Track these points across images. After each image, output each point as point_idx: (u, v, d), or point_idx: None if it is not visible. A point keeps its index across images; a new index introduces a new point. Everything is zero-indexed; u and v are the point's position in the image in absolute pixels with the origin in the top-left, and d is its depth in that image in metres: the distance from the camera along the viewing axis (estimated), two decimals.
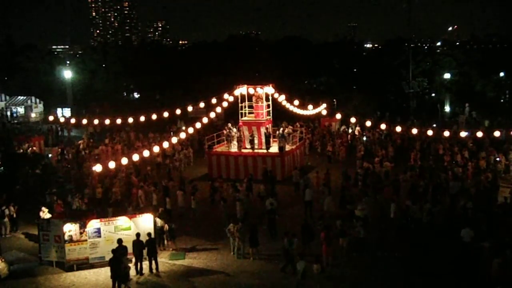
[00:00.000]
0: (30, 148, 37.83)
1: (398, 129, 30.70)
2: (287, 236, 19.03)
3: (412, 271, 18.57)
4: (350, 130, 42.18)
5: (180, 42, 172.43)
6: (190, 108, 33.47)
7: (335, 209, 23.95)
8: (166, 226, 21.33)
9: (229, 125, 34.77)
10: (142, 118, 32.20)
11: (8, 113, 59.18)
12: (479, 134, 28.93)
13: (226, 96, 31.03)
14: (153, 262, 19.32)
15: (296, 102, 35.00)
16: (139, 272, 19.10)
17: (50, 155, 36.73)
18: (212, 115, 30.48)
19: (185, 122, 45.24)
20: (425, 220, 21.79)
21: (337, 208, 24.18)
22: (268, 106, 33.58)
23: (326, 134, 41.49)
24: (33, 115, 58.15)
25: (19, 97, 61.27)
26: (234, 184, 27.05)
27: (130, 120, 32.76)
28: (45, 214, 22.77)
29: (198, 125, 28.70)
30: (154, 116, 32.28)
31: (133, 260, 19.29)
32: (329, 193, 25.18)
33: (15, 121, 56.32)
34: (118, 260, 17.76)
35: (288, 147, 32.85)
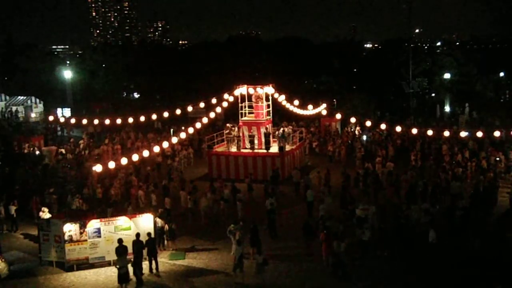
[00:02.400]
0: (32, 148, 37.83)
1: (398, 129, 30.70)
2: (336, 239, 18.93)
3: (412, 271, 18.58)
4: (350, 130, 42.17)
5: (180, 42, 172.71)
6: (190, 108, 33.48)
7: (335, 209, 23.93)
8: (167, 226, 21.33)
9: (228, 125, 34.71)
10: (142, 118, 32.25)
11: (8, 113, 59.06)
12: (479, 134, 28.95)
13: (226, 96, 31.05)
14: (153, 262, 19.32)
15: (296, 102, 34.99)
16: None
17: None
18: (212, 115, 30.48)
19: (162, 123, 45.09)
20: (423, 220, 21.75)
21: (338, 208, 24.17)
22: (268, 106, 33.58)
23: (326, 134, 41.50)
24: (33, 115, 58.02)
25: (19, 97, 61.14)
26: (234, 184, 27.03)
27: (130, 120, 32.80)
28: (45, 214, 22.76)
29: (198, 125, 28.72)
30: (154, 116, 32.32)
31: (133, 260, 19.28)
32: (329, 193, 25.18)
33: (15, 121, 56.18)
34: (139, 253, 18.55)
35: (288, 147, 32.84)
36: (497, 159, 31.36)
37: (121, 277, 17.86)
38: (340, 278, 18.13)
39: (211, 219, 24.20)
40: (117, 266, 17.93)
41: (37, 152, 37.12)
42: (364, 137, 39.01)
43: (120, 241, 18.72)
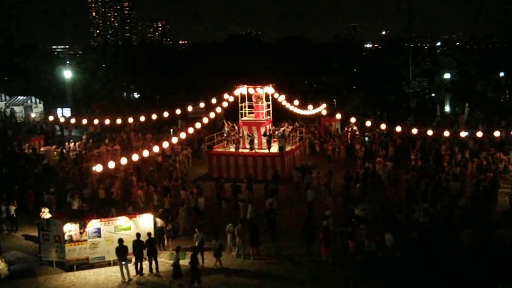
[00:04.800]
0: (31, 149, 37.85)
1: (398, 129, 30.69)
2: (367, 238, 18.88)
3: (412, 271, 18.57)
4: (350, 130, 42.12)
5: (180, 42, 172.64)
6: (190, 108, 33.46)
7: (335, 209, 23.89)
8: (170, 225, 21.32)
9: (229, 123, 34.60)
10: (142, 118, 32.24)
11: (8, 113, 59.06)
12: (479, 134, 28.94)
13: (226, 96, 31.04)
14: (153, 262, 19.33)
15: (296, 102, 34.99)
16: (139, 272, 19.11)
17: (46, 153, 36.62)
18: (212, 115, 30.47)
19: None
20: (423, 220, 21.74)
21: (339, 208, 24.13)
22: (268, 106, 33.58)
23: (326, 134, 41.46)
24: (33, 115, 58.05)
25: (19, 97, 61.16)
26: (235, 184, 27.02)
27: (130, 120, 32.77)
28: (45, 214, 22.75)
29: (198, 125, 28.72)
30: (154, 116, 32.31)
31: (133, 260, 19.30)
32: (330, 194, 25.15)
33: (15, 121, 56.21)
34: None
35: (288, 147, 32.83)
36: (497, 157, 31.36)
37: (176, 272, 18.07)
38: (368, 277, 18.11)
39: (190, 229, 23.46)
40: (173, 263, 18.18)
41: (37, 152, 37.17)
42: (367, 138, 38.91)
43: (120, 241, 18.74)
